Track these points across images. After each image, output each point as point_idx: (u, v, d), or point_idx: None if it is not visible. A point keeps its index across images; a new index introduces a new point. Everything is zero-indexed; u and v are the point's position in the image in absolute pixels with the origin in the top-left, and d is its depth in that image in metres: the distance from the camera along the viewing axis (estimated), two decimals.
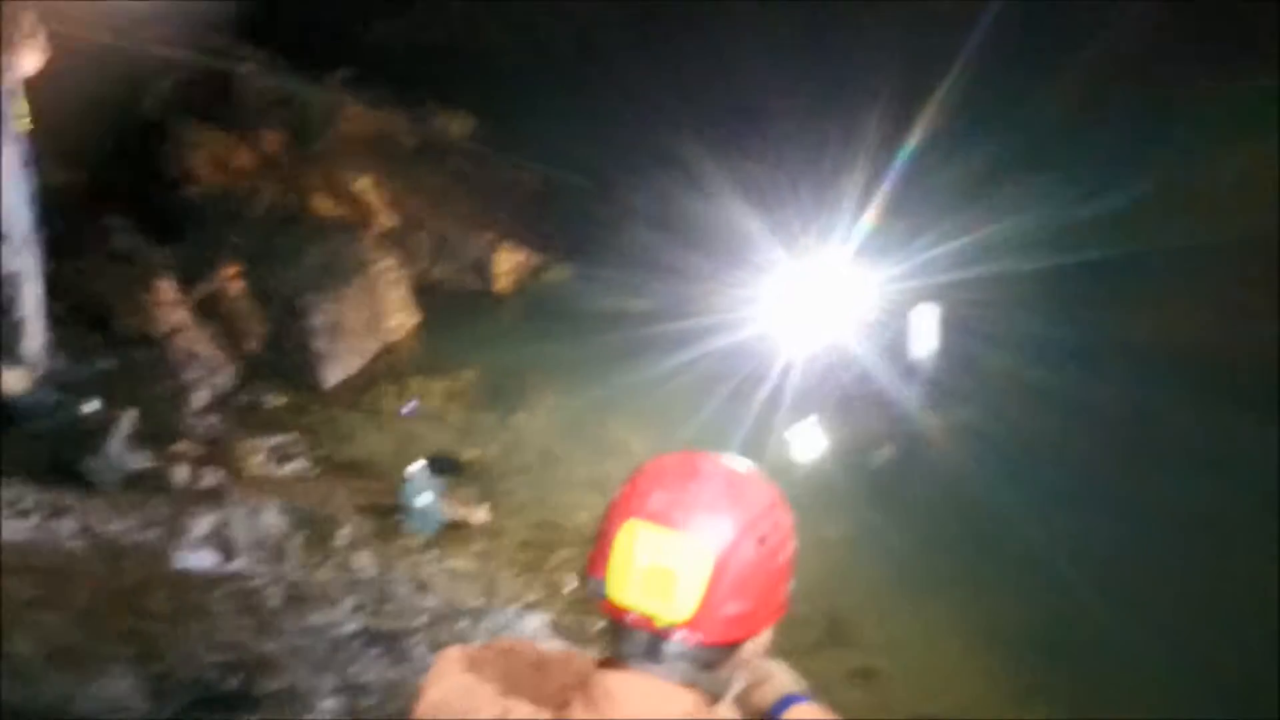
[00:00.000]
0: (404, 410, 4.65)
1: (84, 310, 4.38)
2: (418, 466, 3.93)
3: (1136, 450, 4.48)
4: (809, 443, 4.89)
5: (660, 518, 1.40)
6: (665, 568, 1.38)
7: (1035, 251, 5.25)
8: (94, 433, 3.60)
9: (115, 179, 5.60)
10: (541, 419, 4.72)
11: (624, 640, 1.40)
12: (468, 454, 4.40)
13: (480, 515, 4.02)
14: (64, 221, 4.93)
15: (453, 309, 5.43)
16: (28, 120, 3.47)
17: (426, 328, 5.28)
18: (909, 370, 5.08)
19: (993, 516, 4.27)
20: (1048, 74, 5.87)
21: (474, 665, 1.47)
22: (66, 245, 4.63)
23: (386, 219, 5.61)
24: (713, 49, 7.07)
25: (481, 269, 5.61)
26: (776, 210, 5.63)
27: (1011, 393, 4.85)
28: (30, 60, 3.26)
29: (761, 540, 1.42)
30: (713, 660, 1.40)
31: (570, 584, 3.70)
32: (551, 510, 4.14)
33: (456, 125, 6.60)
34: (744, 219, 5.59)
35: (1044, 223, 5.41)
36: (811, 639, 3.76)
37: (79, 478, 3.46)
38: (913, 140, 5.72)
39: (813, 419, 4.94)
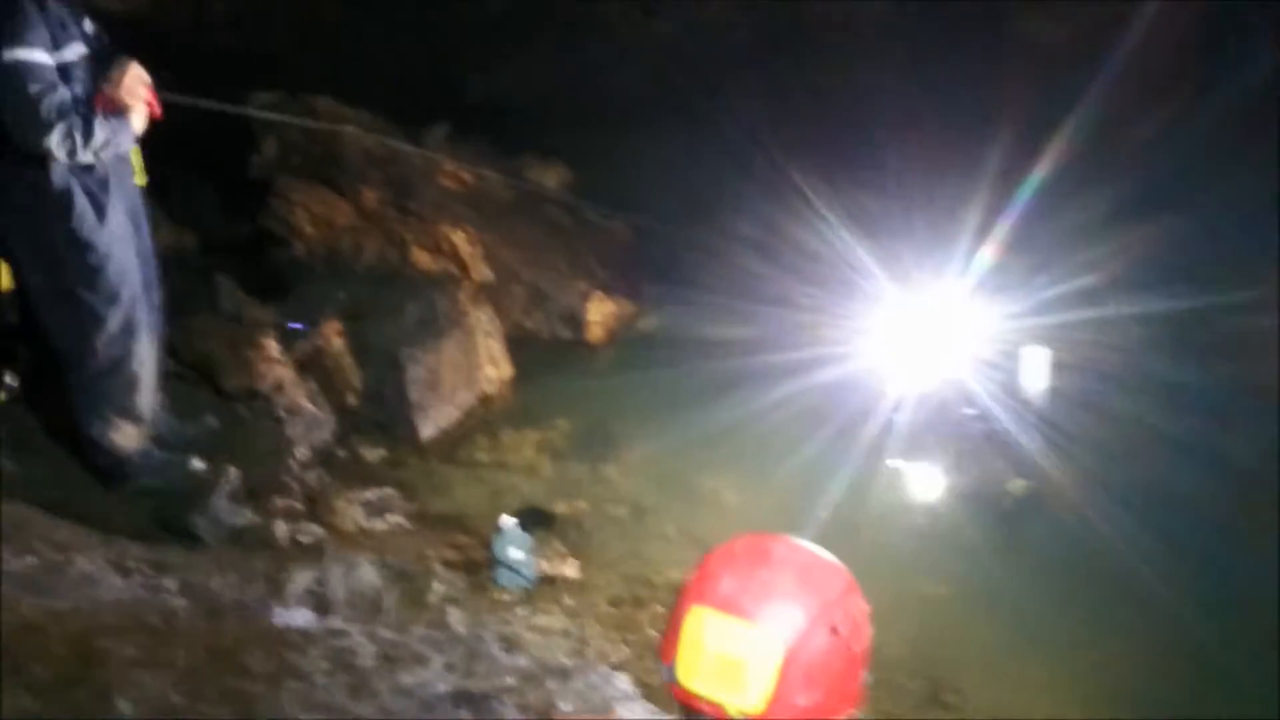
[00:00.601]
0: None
1: (193, 367, 4.53)
2: (509, 521, 3.96)
3: (1270, 503, 4.26)
4: (921, 486, 4.78)
5: (730, 605, 1.39)
6: (735, 657, 1.36)
7: (1162, 293, 5.12)
8: (199, 489, 3.72)
9: (224, 238, 5.84)
10: (632, 470, 4.73)
11: None
12: (559, 507, 4.42)
13: (571, 570, 4.03)
14: (175, 280, 5.16)
15: (545, 360, 5.51)
16: (143, 176, 3.61)
17: (519, 379, 5.35)
18: (1025, 412, 4.95)
19: (1114, 569, 4.13)
20: (1179, 113, 5.76)
21: None
22: (178, 303, 4.83)
23: (482, 271, 5.72)
24: (827, 77, 7.09)
25: (574, 319, 5.67)
26: (889, 241, 5.59)
27: (1137, 438, 4.71)
28: (141, 120, 3.40)
29: (834, 630, 1.39)
30: None
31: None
32: (642, 564, 4.12)
33: (552, 176, 6.72)
34: (855, 250, 5.54)
35: (1172, 264, 5.28)
36: (910, 702, 3.66)
37: (183, 534, 3.58)
38: (1038, 175, 5.61)
39: (925, 461, 4.84)
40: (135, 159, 3.57)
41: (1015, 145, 5.76)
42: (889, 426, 4.88)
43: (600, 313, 5.73)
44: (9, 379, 3.86)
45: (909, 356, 5.26)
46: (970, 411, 5.03)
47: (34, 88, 3.07)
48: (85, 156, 3.20)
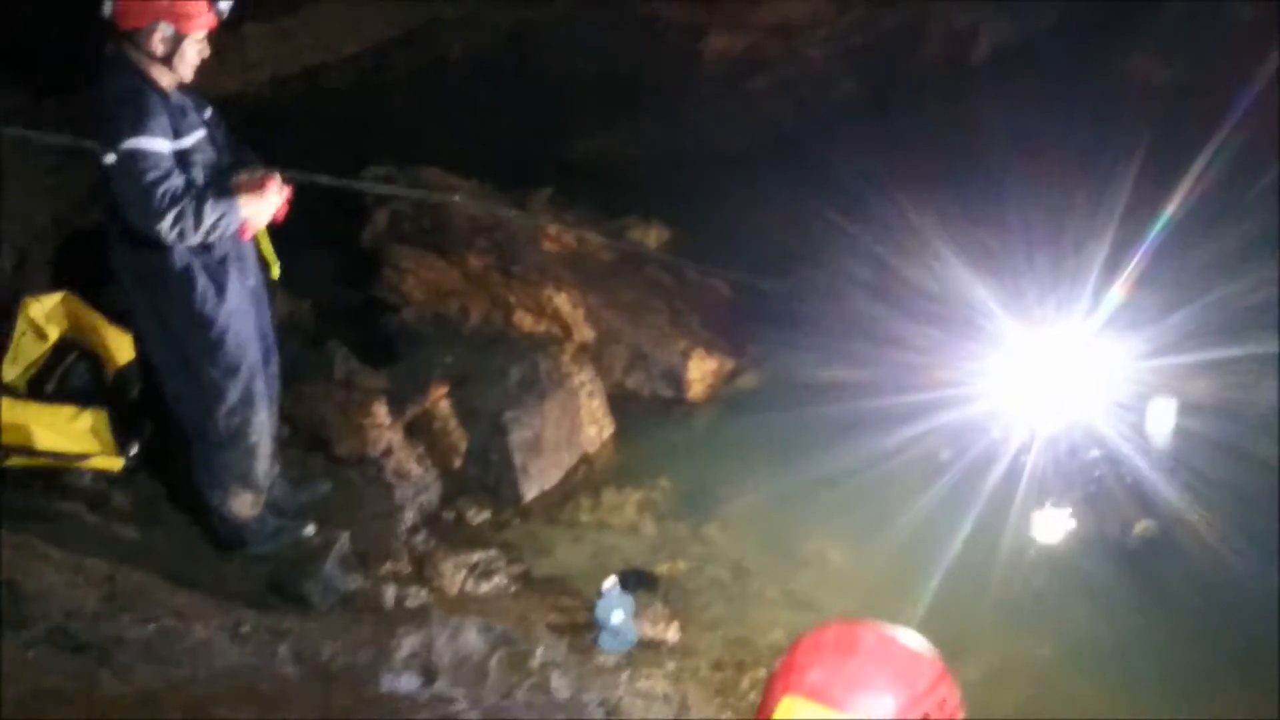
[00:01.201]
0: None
1: (306, 434, 4.70)
2: (610, 583, 3.97)
3: None
4: (1045, 534, 4.63)
5: (819, 694, 1.37)
6: None
7: None
8: (311, 555, 3.84)
9: (338, 305, 6.05)
10: (734, 529, 4.69)
11: None
12: (660, 568, 4.42)
13: (672, 633, 4.02)
14: (291, 348, 5.36)
15: (647, 418, 5.52)
16: (276, 268, 3.75)
17: (620, 438, 5.38)
18: (1157, 455, 4.77)
19: (1248, 621, 3.97)
20: None
21: None
22: (293, 371, 5.01)
23: (584, 332, 5.79)
24: (940, 114, 7.06)
25: (674, 377, 5.68)
26: (1010, 279, 5.46)
27: (1276, 482, 4.47)
28: (266, 218, 3.56)
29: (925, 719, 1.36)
30: None
31: None
32: (744, 628, 4.09)
33: (653, 236, 6.79)
34: (974, 288, 5.45)
35: None
36: None
37: (296, 600, 3.69)
38: (1169, 210, 5.49)
39: (1052, 506, 4.69)
40: (266, 248, 3.71)
41: (1142, 180, 5.65)
42: (1014, 471, 4.74)
43: (701, 370, 5.73)
44: (133, 448, 4.05)
45: (1034, 398, 5.11)
46: (1097, 454, 4.87)
47: (150, 175, 3.24)
48: (195, 239, 3.35)
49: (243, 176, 3.56)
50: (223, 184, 3.51)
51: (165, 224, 3.25)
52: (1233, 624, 4.05)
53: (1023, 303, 5.41)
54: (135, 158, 3.25)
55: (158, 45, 3.37)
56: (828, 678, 1.39)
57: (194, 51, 3.45)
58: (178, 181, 3.30)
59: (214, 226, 3.36)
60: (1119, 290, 5.29)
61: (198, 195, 3.33)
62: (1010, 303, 5.40)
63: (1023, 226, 5.75)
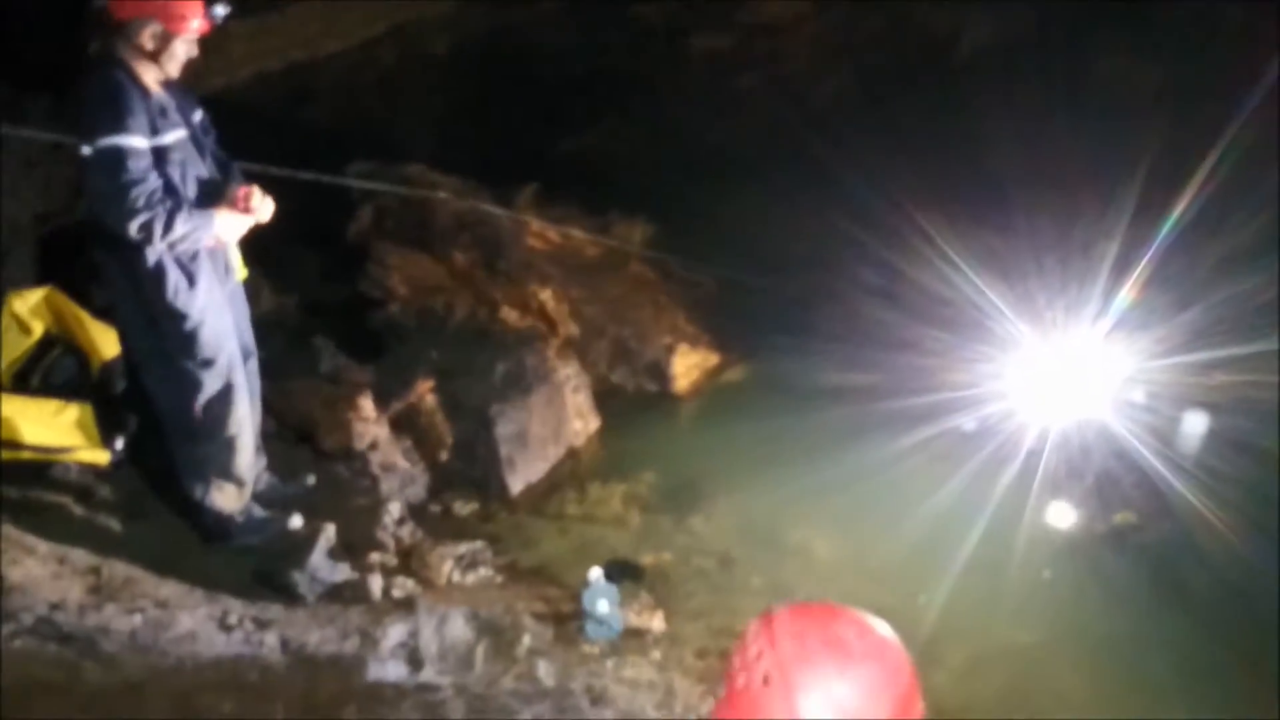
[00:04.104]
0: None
1: (292, 428, 4.71)
2: (596, 573, 3.99)
3: None
4: (1046, 524, 4.67)
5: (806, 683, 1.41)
6: None
7: None
8: (297, 547, 3.84)
9: (324, 301, 6.06)
10: (719, 522, 4.73)
11: None
12: (645, 559, 4.45)
13: (657, 622, 4.04)
14: (277, 343, 5.37)
15: (632, 412, 5.56)
16: (243, 271, 3.75)
17: (606, 432, 5.41)
18: (1171, 452, 4.80)
19: (1256, 615, 3.98)
20: None
21: None
22: (279, 366, 5.02)
23: (569, 327, 5.82)
24: (936, 109, 7.07)
25: (659, 372, 5.71)
26: (1019, 282, 5.51)
27: None
28: (244, 229, 3.57)
29: None
30: None
31: None
32: (729, 616, 4.11)
33: (637, 232, 6.82)
34: (983, 291, 5.48)
35: None
36: None
37: (283, 590, 3.70)
38: (1177, 210, 5.50)
39: (1057, 500, 4.74)
40: (234, 254, 3.69)
41: (1149, 182, 5.66)
42: (1013, 466, 4.77)
43: (685, 364, 5.77)
44: (118, 442, 4.05)
45: (1045, 398, 5.14)
46: (1105, 450, 4.91)
47: (125, 176, 3.21)
48: (159, 245, 3.33)
49: (233, 191, 3.56)
50: (206, 193, 3.52)
51: (134, 224, 3.23)
52: (1233, 614, 4.08)
53: (1032, 305, 5.44)
54: (113, 154, 3.21)
55: (147, 41, 3.35)
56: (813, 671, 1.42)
57: (183, 50, 3.42)
58: (154, 184, 3.27)
59: (182, 238, 3.34)
60: (1129, 291, 5.32)
61: (173, 205, 3.30)
62: (1019, 305, 5.43)
63: (1029, 229, 5.77)
